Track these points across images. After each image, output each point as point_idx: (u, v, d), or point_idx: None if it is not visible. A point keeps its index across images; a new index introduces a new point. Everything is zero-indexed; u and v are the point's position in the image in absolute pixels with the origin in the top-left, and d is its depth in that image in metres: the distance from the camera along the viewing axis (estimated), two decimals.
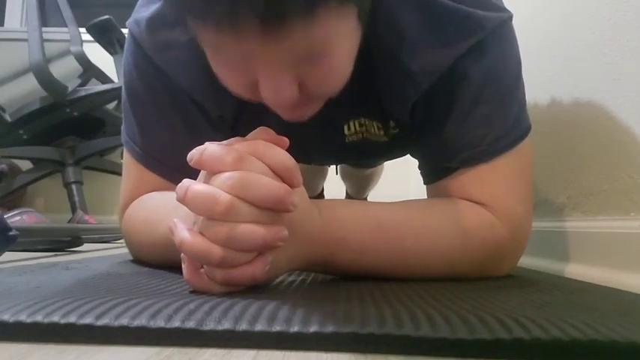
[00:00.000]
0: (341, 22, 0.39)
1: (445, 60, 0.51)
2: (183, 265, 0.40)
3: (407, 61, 0.52)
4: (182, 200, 0.38)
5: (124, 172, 0.65)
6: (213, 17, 0.35)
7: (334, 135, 0.63)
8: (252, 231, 0.37)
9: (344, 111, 0.60)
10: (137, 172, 0.62)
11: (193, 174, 0.41)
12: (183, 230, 0.38)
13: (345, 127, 0.63)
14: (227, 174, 0.37)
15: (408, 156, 0.73)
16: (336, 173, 1.30)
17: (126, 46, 0.61)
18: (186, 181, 0.38)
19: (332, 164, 1.15)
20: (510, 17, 0.55)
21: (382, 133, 0.63)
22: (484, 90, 0.53)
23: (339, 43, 0.41)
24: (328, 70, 0.42)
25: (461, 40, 0.51)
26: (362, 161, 1.07)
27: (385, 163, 1.17)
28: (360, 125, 0.63)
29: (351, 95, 0.50)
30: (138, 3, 0.60)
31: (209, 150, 0.38)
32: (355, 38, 0.43)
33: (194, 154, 0.38)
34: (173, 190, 0.59)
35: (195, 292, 0.41)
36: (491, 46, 0.52)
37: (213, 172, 0.38)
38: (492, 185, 0.55)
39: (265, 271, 0.39)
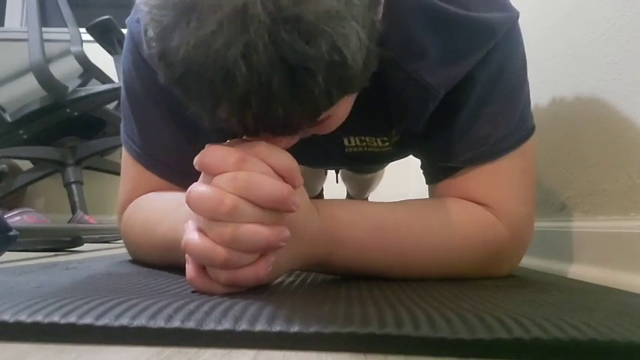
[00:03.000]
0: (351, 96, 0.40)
1: (462, 71, 0.51)
2: (187, 266, 0.40)
3: (427, 80, 0.51)
4: (186, 202, 0.38)
5: (122, 172, 0.64)
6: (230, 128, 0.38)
7: (334, 146, 0.63)
8: (255, 231, 0.37)
9: (345, 130, 0.56)
10: (136, 172, 0.62)
11: (192, 174, 0.41)
12: (191, 231, 0.38)
13: (345, 140, 0.63)
14: (230, 174, 0.37)
15: (409, 156, 0.72)
16: (337, 182, 1.29)
17: (125, 44, 0.61)
18: (193, 184, 0.38)
19: (333, 169, 1.15)
20: (517, 16, 0.54)
21: (386, 144, 0.63)
22: (490, 90, 0.53)
23: (346, 102, 0.41)
24: (330, 123, 0.42)
25: (476, 50, 0.51)
26: (363, 166, 1.07)
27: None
28: (361, 141, 0.63)
29: (357, 118, 0.49)
30: (137, 1, 0.60)
31: (211, 151, 0.38)
32: None
33: (197, 157, 0.39)
34: (172, 190, 0.60)
35: (195, 292, 0.41)
36: (499, 47, 0.52)
37: (215, 174, 0.38)
38: (495, 186, 0.55)
39: (269, 272, 0.39)
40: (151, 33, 0.35)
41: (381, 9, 0.40)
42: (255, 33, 0.32)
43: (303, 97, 0.34)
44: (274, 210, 0.38)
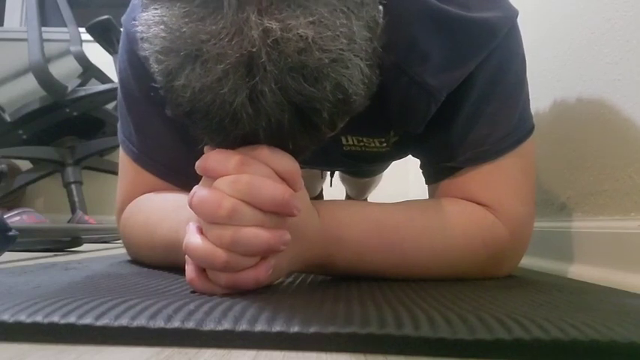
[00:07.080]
0: None
1: (464, 73, 0.51)
2: (187, 267, 0.40)
3: (430, 82, 0.50)
4: (189, 205, 0.38)
5: (120, 172, 0.64)
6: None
7: (332, 144, 0.63)
8: (256, 235, 0.37)
9: (342, 129, 0.58)
10: (133, 172, 0.61)
11: (190, 174, 0.41)
12: (192, 234, 0.38)
13: (343, 138, 0.63)
14: (231, 177, 0.37)
15: (408, 156, 0.72)
16: (330, 185, 1.28)
17: (121, 43, 0.60)
18: (195, 187, 0.38)
19: (331, 170, 1.14)
20: (517, 15, 0.54)
21: (383, 145, 0.63)
22: (490, 90, 0.53)
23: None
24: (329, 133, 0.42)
25: (477, 52, 0.51)
26: (362, 166, 1.06)
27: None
28: (359, 141, 0.63)
29: (354, 119, 0.49)
30: (134, 2, 0.60)
31: (213, 155, 0.38)
32: None
33: (199, 161, 0.39)
34: (170, 190, 0.60)
35: (195, 292, 0.41)
36: (500, 47, 0.52)
37: (216, 177, 0.38)
38: (495, 186, 0.55)
39: (269, 275, 0.39)
40: (155, 67, 0.36)
41: (379, 29, 0.41)
42: (261, 80, 0.33)
43: (310, 131, 0.36)
44: (275, 213, 0.38)
